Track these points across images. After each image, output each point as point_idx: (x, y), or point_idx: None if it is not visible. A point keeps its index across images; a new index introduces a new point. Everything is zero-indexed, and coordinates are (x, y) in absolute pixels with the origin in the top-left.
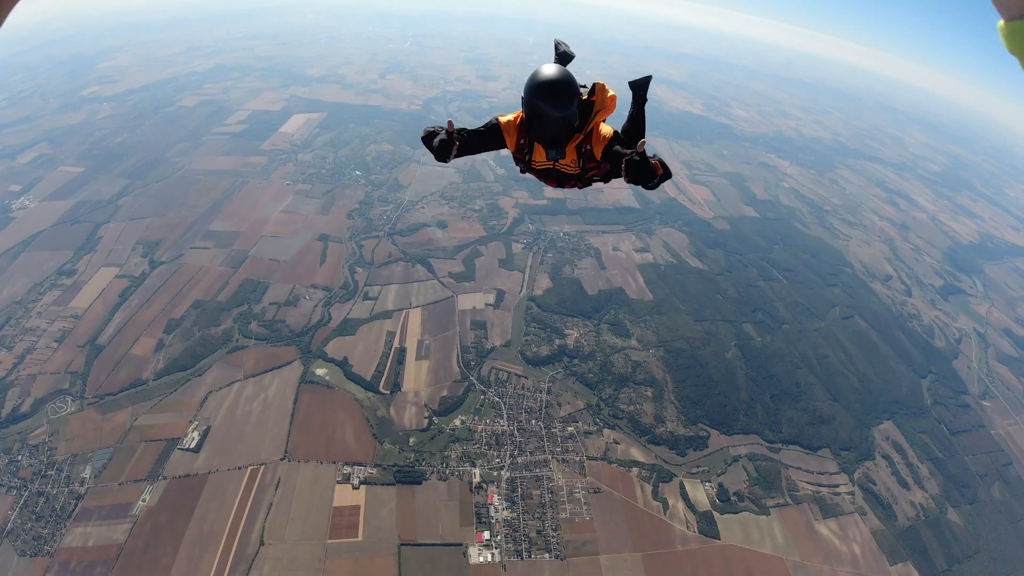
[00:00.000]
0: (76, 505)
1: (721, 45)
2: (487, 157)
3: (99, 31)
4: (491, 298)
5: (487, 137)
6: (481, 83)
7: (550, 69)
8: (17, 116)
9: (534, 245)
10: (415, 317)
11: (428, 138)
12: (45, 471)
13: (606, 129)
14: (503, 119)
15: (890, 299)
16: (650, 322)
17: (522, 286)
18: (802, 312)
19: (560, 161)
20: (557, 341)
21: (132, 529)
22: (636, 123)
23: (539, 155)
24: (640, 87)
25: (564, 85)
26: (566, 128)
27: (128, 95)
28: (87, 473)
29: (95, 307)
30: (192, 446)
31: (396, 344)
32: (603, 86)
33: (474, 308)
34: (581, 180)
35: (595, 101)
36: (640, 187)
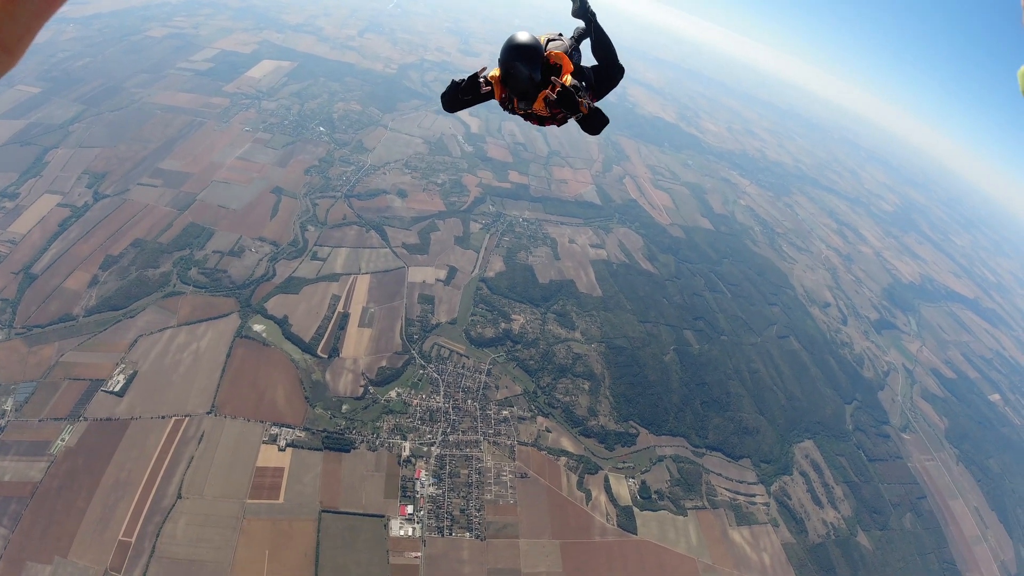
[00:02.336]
0: None
1: (701, 56)
2: (457, 133)
3: None
4: (442, 274)
5: (470, 89)
6: (460, 56)
7: (522, 35)
8: None
9: (492, 227)
10: (363, 283)
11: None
12: None
13: (566, 81)
14: (492, 73)
15: (826, 325)
16: (596, 317)
17: (475, 266)
18: (741, 326)
19: (534, 108)
20: (503, 325)
21: (49, 468)
22: (600, 43)
23: (517, 104)
24: (583, 12)
25: (532, 49)
26: (532, 83)
27: (96, 18)
28: (8, 406)
29: (33, 234)
30: (117, 389)
31: (340, 308)
32: (560, 54)
33: (424, 282)
34: (555, 121)
35: (559, 63)
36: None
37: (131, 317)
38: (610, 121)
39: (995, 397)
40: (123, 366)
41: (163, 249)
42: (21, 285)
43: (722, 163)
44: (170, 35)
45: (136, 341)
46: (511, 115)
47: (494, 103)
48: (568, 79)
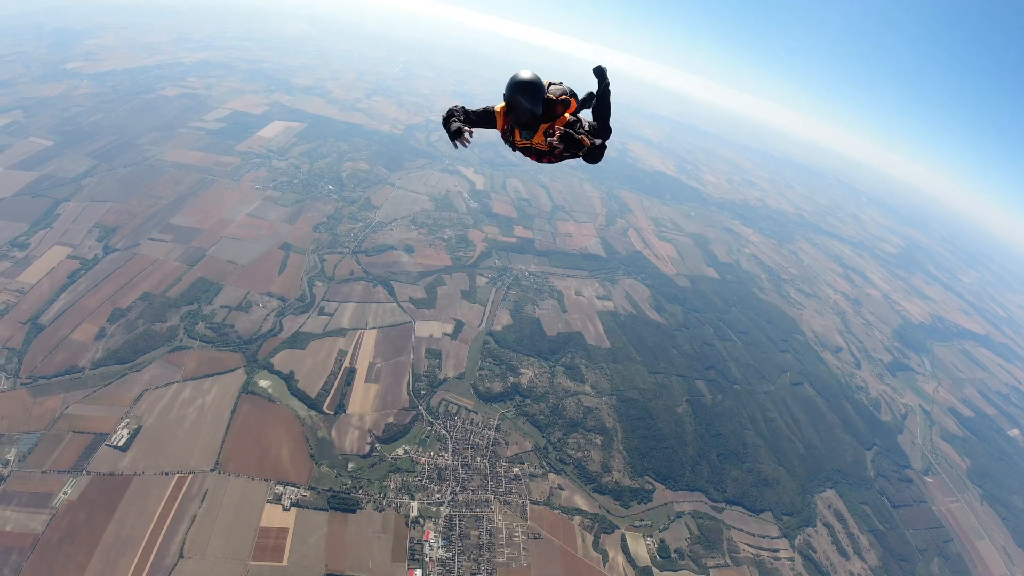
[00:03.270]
0: None
1: (696, 111)
2: (462, 190)
3: (90, 7)
4: (449, 328)
5: (485, 118)
6: None
7: (525, 73)
8: None
9: (498, 280)
10: (369, 339)
11: (446, 120)
12: None
13: (566, 119)
14: (497, 108)
15: (839, 370)
16: (605, 369)
17: (482, 320)
18: (753, 374)
19: (534, 141)
20: (511, 379)
21: (51, 521)
22: (601, 101)
23: (519, 136)
24: (600, 72)
25: (534, 85)
26: (534, 117)
27: (110, 75)
28: (11, 456)
29: (42, 285)
30: (120, 444)
31: (347, 364)
32: (562, 95)
33: (431, 336)
34: (553, 156)
35: (560, 102)
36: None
37: (137, 371)
38: (607, 148)
39: (1014, 432)
40: (127, 420)
41: (171, 303)
42: (28, 335)
43: (724, 213)
44: (183, 95)
45: (141, 395)
46: (512, 152)
47: (494, 144)
48: (567, 117)
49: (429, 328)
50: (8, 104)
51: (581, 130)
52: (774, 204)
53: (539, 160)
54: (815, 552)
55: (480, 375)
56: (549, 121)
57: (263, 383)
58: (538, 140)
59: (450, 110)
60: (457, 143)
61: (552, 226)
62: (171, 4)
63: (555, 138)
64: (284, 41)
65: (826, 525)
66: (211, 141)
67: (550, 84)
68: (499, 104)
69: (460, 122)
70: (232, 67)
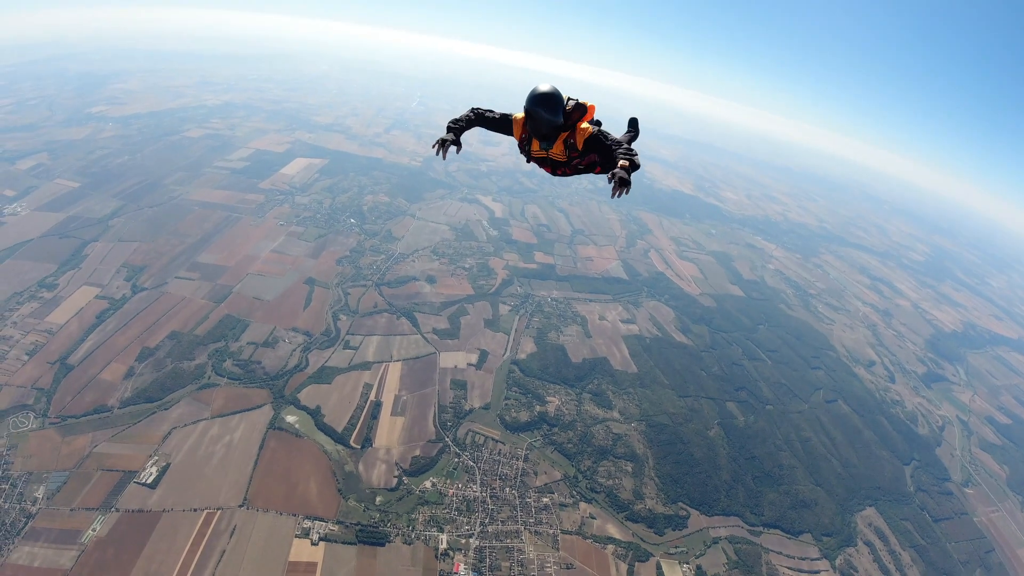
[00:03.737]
0: (26, 524)
1: (711, 130)
2: (481, 218)
3: (114, 53)
4: (474, 358)
5: (502, 124)
6: (481, 147)
7: (544, 86)
8: (21, 123)
9: (521, 308)
10: (394, 371)
11: (449, 125)
12: None
13: (587, 127)
14: (515, 116)
15: (873, 384)
16: (633, 395)
17: (506, 348)
18: (785, 393)
19: (551, 151)
20: (538, 407)
21: (79, 557)
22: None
23: (535, 146)
24: (633, 123)
25: (553, 97)
26: (553, 127)
27: (135, 118)
28: (40, 493)
29: (71, 325)
30: (149, 481)
31: (372, 397)
32: (582, 104)
33: (456, 367)
34: (569, 167)
35: (579, 110)
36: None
37: (165, 409)
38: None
39: None
40: (156, 458)
41: (199, 341)
42: (57, 375)
43: (745, 229)
44: (207, 135)
45: (170, 433)
46: (527, 164)
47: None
48: (586, 126)
49: (453, 359)
50: (34, 147)
51: (610, 136)
52: (796, 218)
53: (553, 172)
54: (856, 572)
55: (506, 405)
56: (568, 130)
57: (290, 418)
58: (557, 149)
59: (460, 117)
60: (438, 150)
61: (572, 251)
62: (193, 50)
63: (581, 138)
64: (305, 81)
65: (867, 544)
66: (235, 180)
67: (568, 99)
68: (518, 113)
69: (456, 132)
70: (255, 108)
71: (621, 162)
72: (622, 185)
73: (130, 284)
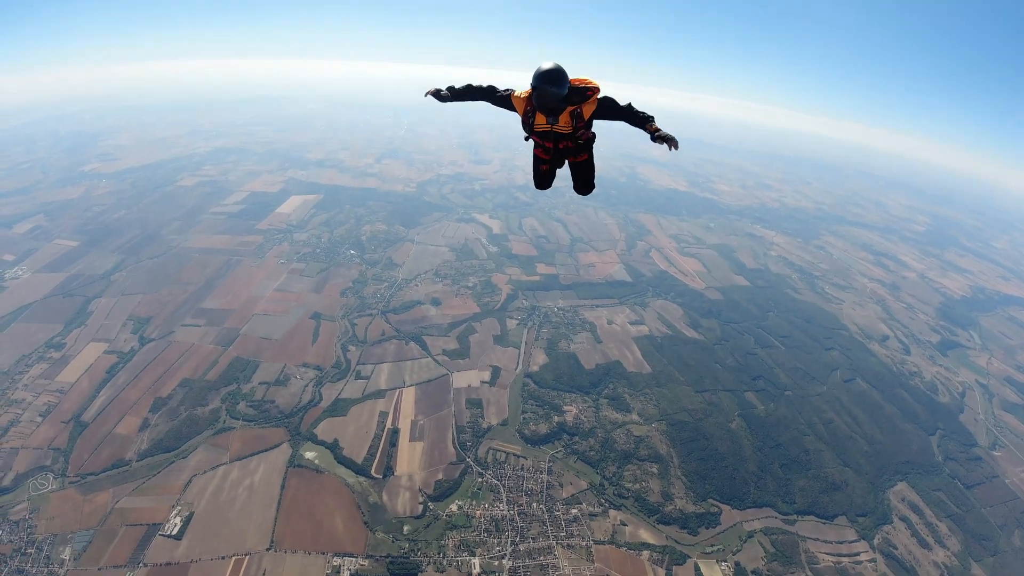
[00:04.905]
0: None
1: (698, 127)
2: (480, 236)
3: (102, 110)
4: (486, 375)
5: (501, 99)
6: (473, 167)
7: (548, 63)
8: (15, 187)
9: (528, 321)
10: (408, 396)
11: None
12: (25, 548)
13: (599, 96)
14: (516, 93)
15: (889, 359)
16: (650, 395)
17: (518, 362)
18: (803, 377)
19: (556, 125)
20: (556, 418)
21: None
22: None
23: (540, 120)
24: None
25: (558, 73)
26: (559, 100)
27: (128, 173)
28: (67, 555)
29: (81, 382)
30: (174, 532)
31: (389, 425)
32: (585, 80)
33: (469, 386)
34: (572, 139)
35: (589, 90)
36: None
37: (184, 457)
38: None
39: None
40: (179, 508)
41: (211, 386)
42: (72, 433)
43: (744, 220)
44: (201, 183)
45: (190, 481)
46: (525, 141)
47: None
48: (601, 95)
49: (466, 378)
50: (30, 210)
51: (617, 104)
52: (792, 203)
53: (555, 146)
54: (896, 549)
55: (524, 418)
56: (575, 105)
57: (309, 455)
58: (563, 122)
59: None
60: (426, 94)
61: (574, 259)
62: (180, 100)
63: (590, 109)
64: (293, 121)
65: (903, 519)
66: (233, 223)
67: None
68: (521, 91)
69: (450, 91)
70: (246, 151)
71: (651, 125)
72: (670, 140)
73: (137, 336)
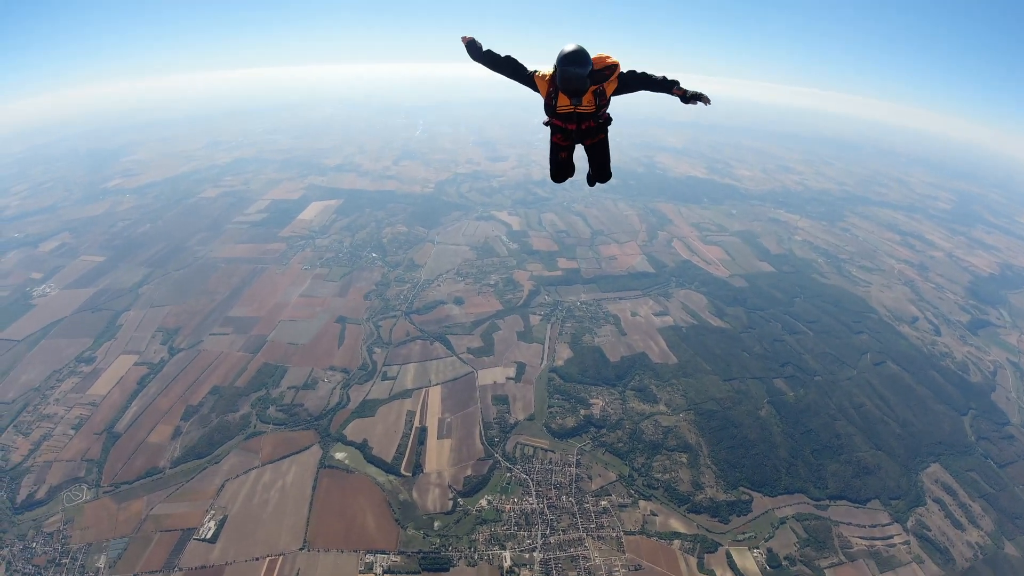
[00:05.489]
0: None
1: (715, 109)
2: (500, 234)
3: (121, 126)
4: (511, 371)
5: (524, 76)
6: (490, 164)
7: (571, 45)
8: (39, 206)
9: (552, 316)
10: (435, 395)
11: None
12: (60, 559)
13: (619, 71)
14: (539, 74)
15: (919, 340)
16: (677, 385)
17: (542, 357)
18: (832, 362)
19: (580, 106)
20: (582, 411)
21: None
22: (655, 84)
23: (563, 100)
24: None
25: (580, 54)
26: (583, 80)
27: (150, 187)
28: (102, 563)
29: (113, 394)
30: (208, 536)
31: (416, 424)
32: (606, 57)
33: (495, 383)
34: (595, 118)
35: (609, 68)
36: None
37: (216, 463)
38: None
39: None
40: (212, 512)
41: (240, 392)
42: (105, 444)
43: (766, 204)
44: (223, 194)
45: (223, 486)
46: (544, 125)
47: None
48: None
49: (492, 375)
50: (55, 228)
51: (636, 73)
52: (815, 185)
53: (578, 126)
54: (929, 530)
55: (550, 413)
56: (597, 84)
57: (339, 455)
58: (586, 101)
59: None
60: (464, 40)
61: (595, 252)
62: (198, 113)
63: (611, 87)
64: (310, 127)
65: (936, 501)
66: (256, 232)
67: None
68: (543, 70)
69: (480, 49)
70: (265, 160)
71: (678, 88)
72: (701, 97)
73: (167, 347)
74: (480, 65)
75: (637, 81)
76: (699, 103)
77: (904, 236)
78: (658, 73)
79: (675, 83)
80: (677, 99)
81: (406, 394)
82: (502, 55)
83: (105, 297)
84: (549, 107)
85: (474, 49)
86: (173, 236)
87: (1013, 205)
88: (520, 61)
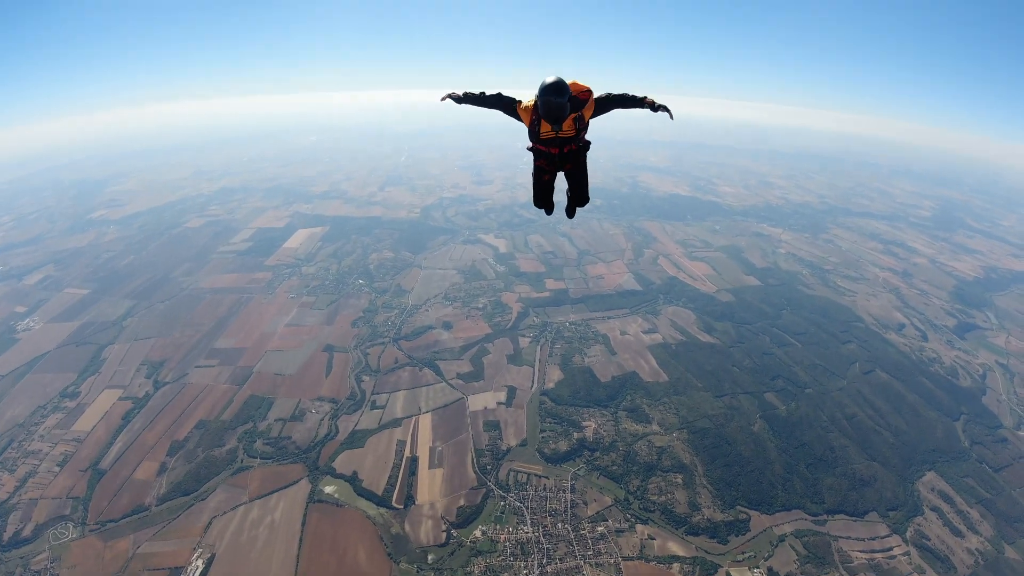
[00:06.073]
0: None
1: (698, 129)
2: (487, 257)
3: (107, 157)
4: (502, 396)
5: (507, 107)
6: (476, 188)
7: (551, 78)
8: (24, 238)
9: (541, 337)
10: (425, 423)
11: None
12: None
13: (593, 97)
14: (522, 104)
15: (907, 347)
16: (669, 404)
17: (533, 381)
18: (822, 373)
19: (561, 131)
20: (575, 435)
21: None
22: (631, 101)
23: (545, 127)
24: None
25: (560, 85)
26: (563, 109)
27: (135, 218)
28: None
29: (97, 430)
30: (196, 575)
31: (407, 453)
32: (582, 86)
33: (485, 408)
34: (575, 142)
35: (586, 97)
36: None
37: (203, 499)
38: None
39: None
40: (200, 550)
41: (227, 426)
42: (91, 481)
43: (749, 220)
44: (208, 223)
45: (211, 523)
46: (528, 150)
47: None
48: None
49: (482, 400)
50: (39, 260)
51: (610, 95)
52: (797, 199)
53: (561, 151)
54: (929, 540)
55: (543, 437)
56: (576, 111)
57: (328, 489)
58: (567, 127)
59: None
60: (444, 97)
61: (582, 272)
62: (183, 142)
63: (589, 111)
64: (295, 155)
65: (934, 509)
66: (242, 261)
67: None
68: (526, 101)
69: (464, 95)
70: (251, 189)
71: (647, 100)
72: (666, 108)
73: (151, 381)
74: (469, 106)
75: (610, 102)
76: (666, 113)
77: (887, 244)
78: (630, 92)
79: (644, 97)
80: (648, 110)
81: (396, 423)
82: (485, 93)
83: (89, 330)
84: (533, 134)
85: (457, 99)
86: (158, 267)
87: (994, 209)
88: (499, 92)
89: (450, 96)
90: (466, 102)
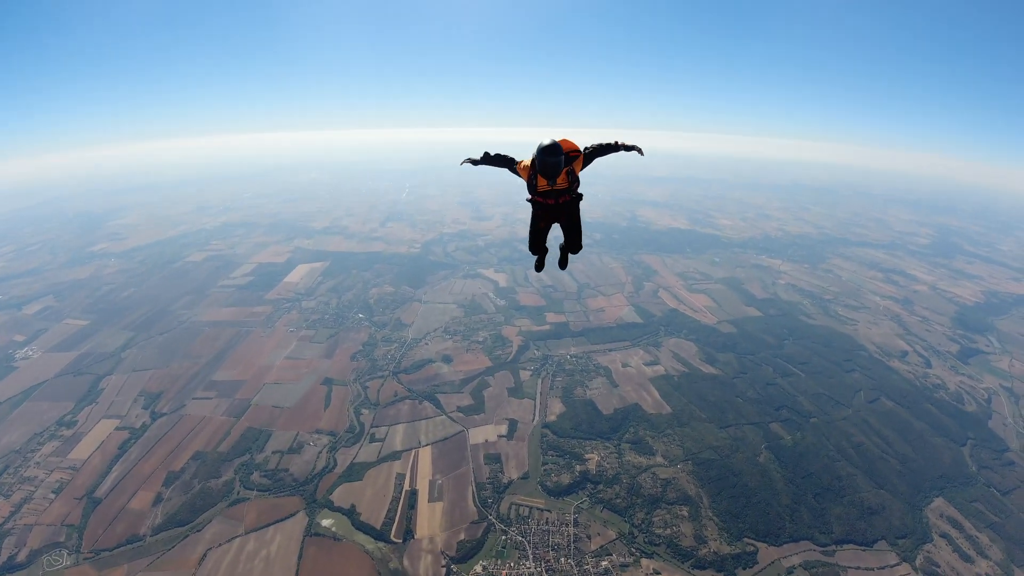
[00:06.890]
0: None
1: (695, 164)
2: (487, 291)
3: (110, 191)
4: (503, 429)
5: (509, 165)
6: (475, 223)
7: (547, 140)
8: (24, 268)
9: (542, 370)
10: (425, 456)
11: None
12: None
13: (581, 152)
14: (522, 164)
15: (911, 374)
16: (673, 436)
17: (534, 413)
18: (827, 402)
19: (556, 185)
20: (578, 467)
21: None
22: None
23: (542, 182)
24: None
25: (556, 147)
26: (558, 166)
27: (136, 251)
28: None
29: (94, 459)
30: None
31: (407, 487)
32: (577, 146)
33: (486, 441)
34: (569, 193)
35: (576, 154)
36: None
37: (198, 531)
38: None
39: None
40: None
41: (224, 458)
42: (86, 510)
43: (748, 251)
44: (209, 258)
45: (206, 555)
46: (527, 201)
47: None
48: (581, 151)
49: (483, 433)
50: (40, 291)
51: (594, 144)
52: (794, 230)
53: (556, 201)
54: (939, 567)
55: (545, 470)
56: (568, 166)
57: (326, 522)
58: (561, 179)
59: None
60: (463, 162)
61: (582, 305)
62: (185, 177)
63: (580, 165)
64: (297, 191)
65: (943, 536)
66: (242, 295)
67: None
68: (523, 160)
69: (480, 159)
70: (252, 224)
71: (621, 143)
72: (637, 148)
73: (149, 412)
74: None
75: (595, 153)
76: (636, 151)
77: (887, 273)
78: (605, 140)
79: (615, 142)
80: (623, 151)
81: (395, 456)
82: (493, 154)
83: (88, 361)
84: (531, 187)
85: (473, 162)
86: (158, 300)
87: (992, 233)
88: (507, 155)
89: (468, 160)
90: (483, 163)
